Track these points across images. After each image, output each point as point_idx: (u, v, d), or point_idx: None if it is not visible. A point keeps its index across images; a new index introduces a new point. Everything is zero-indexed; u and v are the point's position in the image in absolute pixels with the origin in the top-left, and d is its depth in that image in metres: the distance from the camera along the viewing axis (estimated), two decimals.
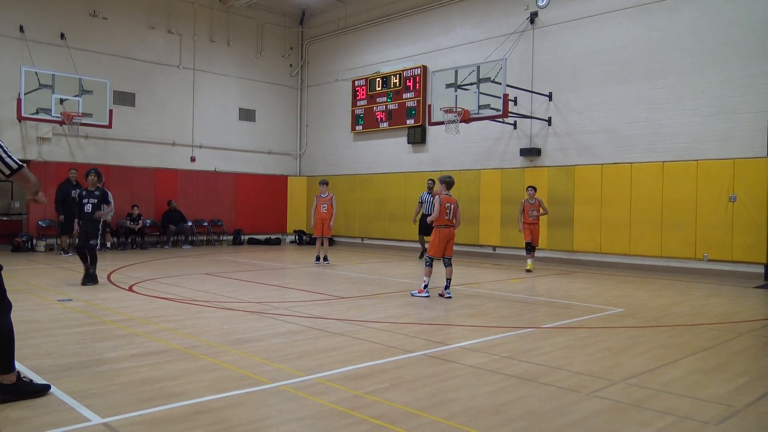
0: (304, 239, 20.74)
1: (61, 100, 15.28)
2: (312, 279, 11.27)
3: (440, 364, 5.20)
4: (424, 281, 8.96)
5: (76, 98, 15.50)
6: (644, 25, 13.50)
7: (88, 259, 9.61)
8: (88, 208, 9.73)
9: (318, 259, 13.90)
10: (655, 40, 13.32)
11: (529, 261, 12.76)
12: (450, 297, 8.89)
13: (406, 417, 3.86)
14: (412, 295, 8.98)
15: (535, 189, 13.05)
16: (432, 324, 7.04)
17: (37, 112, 15.04)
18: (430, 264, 9.04)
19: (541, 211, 12.85)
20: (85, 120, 15.52)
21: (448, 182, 9.08)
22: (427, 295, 8.89)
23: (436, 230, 8.96)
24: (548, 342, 6.11)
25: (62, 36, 16.64)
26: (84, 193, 9.87)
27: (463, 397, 4.28)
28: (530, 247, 12.79)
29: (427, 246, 9.41)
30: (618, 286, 10.73)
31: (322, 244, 13.93)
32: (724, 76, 12.34)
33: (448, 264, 9.07)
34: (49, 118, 15.23)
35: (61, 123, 15.40)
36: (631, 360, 5.42)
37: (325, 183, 14.04)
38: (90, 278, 9.65)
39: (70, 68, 16.30)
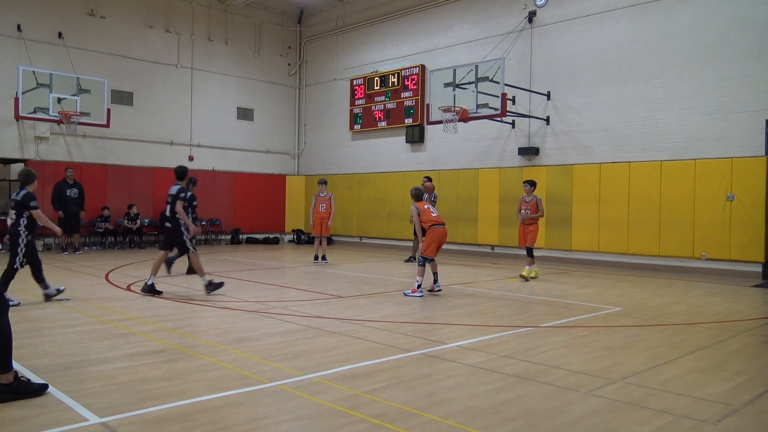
0: (302, 238, 20.73)
1: (59, 99, 15.26)
2: (310, 278, 11.26)
3: (438, 363, 5.20)
4: (418, 281, 9.00)
5: (74, 97, 15.48)
6: (642, 24, 13.50)
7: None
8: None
9: (316, 258, 13.90)
10: (652, 40, 13.33)
11: (527, 267, 11.25)
12: (440, 290, 9.07)
13: (405, 416, 3.85)
14: (405, 294, 8.99)
15: (532, 184, 11.50)
16: (430, 323, 7.04)
17: (34, 111, 15.02)
18: (423, 264, 9.10)
19: (538, 212, 11.23)
20: (82, 119, 15.49)
21: (417, 194, 9.47)
22: (421, 294, 8.91)
23: (429, 231, 9.08)
24: (546, 341, 6.11)
25: (60, 35, 16.61)
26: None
27: (462, 396, 4.28)
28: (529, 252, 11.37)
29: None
30: (616, 285, 10.73)
31: (320, 243, 13.93)
32: (721, 76, 12.34)
33: (432, 260, 9.24)
34: (47, 117, 15.21)
35: (59, 122, 15.37)
36: (629, 359, 5.42)
37: (323, 182, 14.05)
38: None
39: (68, 67, 16.26)
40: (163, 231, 9.99)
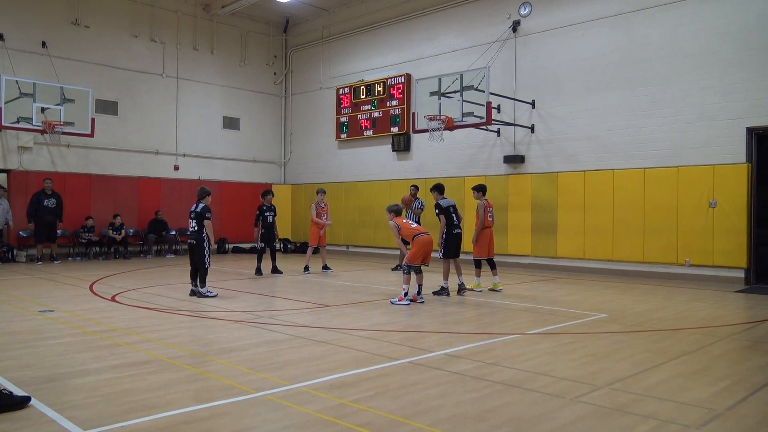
0: (288, 248, 20.66)
1: (43, 109, 15.10)
2: (297, 288, 11.23)
3: (425, 371, 5.20)
4: (404, 289, 9.02)
5: (58, 107, 15.32)
6: (625, 33, 13.67)
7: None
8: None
9: (307, 269, 13.66)
10: (635, 49, 13.49)
11: (477, 280, 11.09)
12: (422, 301, 9.12)
13: (391, 425, 3.85)
14: (392, 303, 9.00)
15: (483, 191, 11.16)
16: (417, 331, 7.05)
17: (17, 121, 14.84)
18: (408, 272, 9.12)
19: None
20: (66, 129, 15.33)
21: (397, 210, 9.63)
22: (407, 303, 8.93)
23: (415, 240, 9.15)
24: (532, 348, 6.14)
25: (44, 44, 16.49)
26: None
27: (448, 404, 4.29)
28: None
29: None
30: (601, 291, 10.81)
31: (316, 252, 14.03)
32: (703, 84, 12.52)
33: (419, 271, 9.27)
34: (30, 127, 15.03)
35: (43, 132, 15.21)
36: (614, 365, 5.46)
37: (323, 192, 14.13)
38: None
39: (52, 77, 16.14)
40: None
